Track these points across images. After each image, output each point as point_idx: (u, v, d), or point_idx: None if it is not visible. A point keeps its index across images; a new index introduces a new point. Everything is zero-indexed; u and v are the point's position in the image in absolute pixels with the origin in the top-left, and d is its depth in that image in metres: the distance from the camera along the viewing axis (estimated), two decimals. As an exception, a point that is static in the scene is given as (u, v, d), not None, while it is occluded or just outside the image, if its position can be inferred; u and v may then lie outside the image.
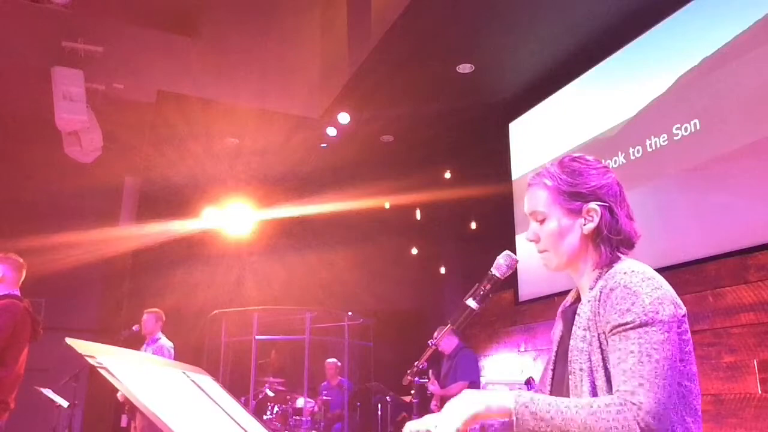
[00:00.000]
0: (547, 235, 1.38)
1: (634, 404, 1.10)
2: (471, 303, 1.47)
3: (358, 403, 6.99)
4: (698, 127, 4.26)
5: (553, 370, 1.45)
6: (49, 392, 5.24)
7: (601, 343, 1.25)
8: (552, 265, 1.41)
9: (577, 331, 1.31)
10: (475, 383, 5.17)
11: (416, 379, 1.73)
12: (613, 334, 1.20)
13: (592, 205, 1.34)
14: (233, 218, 8.24)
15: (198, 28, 5.95)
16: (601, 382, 1.23)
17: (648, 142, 4.69)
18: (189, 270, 7.48)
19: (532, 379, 4.69)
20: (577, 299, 1.46)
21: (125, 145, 6.88)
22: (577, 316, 1.33)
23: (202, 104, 6.44)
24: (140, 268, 7.49)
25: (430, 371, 5.18)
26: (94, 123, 5.64)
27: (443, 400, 5.10)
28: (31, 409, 3.34)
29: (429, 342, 1.67)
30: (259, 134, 7.10)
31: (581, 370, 1.27)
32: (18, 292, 3.39)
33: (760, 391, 3.57)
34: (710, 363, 3.89)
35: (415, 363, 1.68)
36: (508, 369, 6.17)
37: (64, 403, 5.23)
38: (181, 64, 6.08)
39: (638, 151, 4.79)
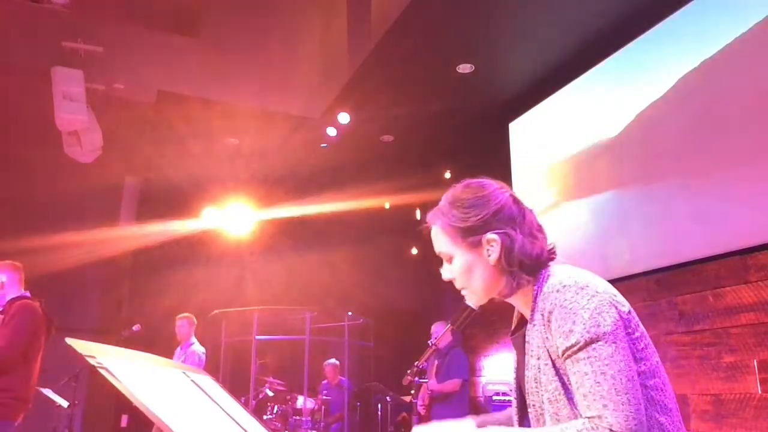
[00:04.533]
0: (457, 273, 1.35)
1: (605, 428, 1.07)
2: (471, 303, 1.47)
3: (358, 403, 6.99)
4: (698, 128, 4.26)
5: (517, 398, 1.40)
6: (49, 392, 5.24)
7: (557, 370, 1.20)
8: (474, 302, 1.38)
9: (530, 361, 1.26)
10: (467, 382, 5.19)
11: (416, 379, 1.74)
12: (565, 359, 1.17)
13: (490, 235, 1.29)
14: (233, 218, 8.24)
15: (198, 28, 5.95)
16: (564, 412, 1.18)
17: (648, 143, 4.69)
18: (189, 270, 7.48)
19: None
20: (521, 321, 1.41)
21: (125, 145, 6.88)
22: (527, 344, 1.29)
23: (202, 104, 6.43)
24: (140, 268, 7.49)
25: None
26: (94, 123, 5.64)
27: (431, 400, 5.11)
28: (31, 409, 3.35)
29: (429, 342, 1.67)
30: (259, 134, 7.10)
31: (541, 402, 1.23)
32: (28, 293, 3.44)
33: (760, 391, 3.57)
34: (710, 363, 3.89)
35: (415, 363, 1.69)
36: (508, 369, 6.17)
37: (64, 403, 5.23)
38: (181, 64, 6.08)
39: (638, 151, 4.79)
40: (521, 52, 5.42)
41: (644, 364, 1.21)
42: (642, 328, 1.24)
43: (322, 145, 7.19)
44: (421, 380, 5.15)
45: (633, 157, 4.83)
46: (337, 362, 7.27)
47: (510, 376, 1.45)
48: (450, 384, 5.04)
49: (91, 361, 0.89)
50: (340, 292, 7.94)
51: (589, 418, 1.10)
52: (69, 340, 0.92)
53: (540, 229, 1.36)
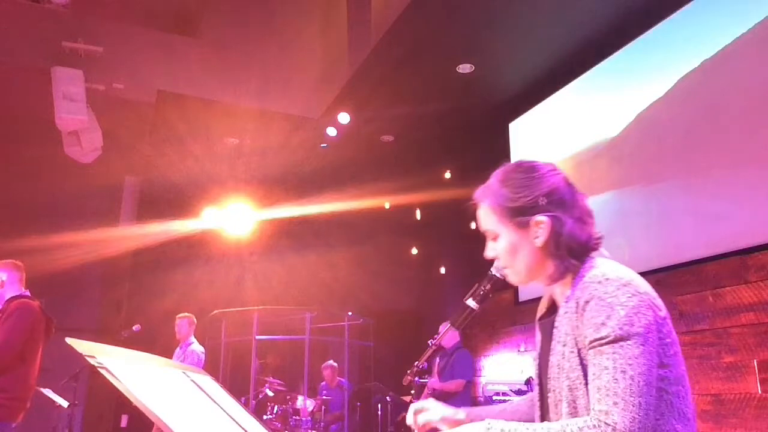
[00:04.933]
0: (502, 252, 1.34)
1: (608, 425, 1.07)
2: (471, 303, 1.46)
3: (358, 403, 6.99)
4: (698, 128, 4.26)
5: (539, 385, 1.40)
6: (49, 392, 5.23)
7: (582, 359, 1.20)
8: (515, 281, 1.38)
9: (556, 347, 1.26)
10: (470, 382, 5.19)
11: (416, 379, 1.73)
12: (590, 349, 1.16)
13: (539, 217, 1.28)
14: (233, 218, 8.25)
15: (198, 28, 5.96)
16: (583, 401, 1.18)
17: (648, 143, 4.69)
18: (189, 270, 7.48)
19: (533, 379, 4.70)
20: (552, 307, 1.41)
21: (125, 145, 6.88)
22: (555, 330, 1.28)
23: (202, 104, 6.44)
24: (140, 268, 7.49)
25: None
26: (94, 123, 5.64)
27: (434, 398, 5.10)
28: (31, 409, 3.35)
29: (429, 341, 1.67)
30: (259, 134, 7.10)
31: (561, 388, 1.23)
32: (28, 293, 3.43)
33: (760, 391, 3.57)
34: (710, 363, 3.89)
35: (415, 363, 1.68)
36: (508, 369, 6.17)
37: (64, 403, 5.22)
38: (181, 64, 6.08)
39: (638, 151, 4.79)
40: (521, 52, 5.42)
41: (671, 370, 1.19)
42: (674, 335, 1.23)
43: (322, 145, 7.19)
44: (421, 380, 5.14)
45: (633, 157, 4.83)
46: (335, 364, 7.24)
47: (532, 361, 1.44)
48: (453, 384, 5.03)
49: (91, 361, 0.89)
50: (340, 292, 7.94)
51: (596, 411, 1.10)
52: (69, 340, 0.92)
53: (590, 213, 1.35)
